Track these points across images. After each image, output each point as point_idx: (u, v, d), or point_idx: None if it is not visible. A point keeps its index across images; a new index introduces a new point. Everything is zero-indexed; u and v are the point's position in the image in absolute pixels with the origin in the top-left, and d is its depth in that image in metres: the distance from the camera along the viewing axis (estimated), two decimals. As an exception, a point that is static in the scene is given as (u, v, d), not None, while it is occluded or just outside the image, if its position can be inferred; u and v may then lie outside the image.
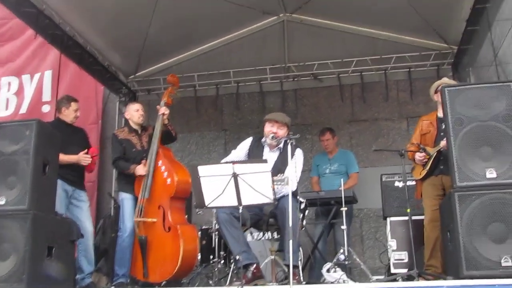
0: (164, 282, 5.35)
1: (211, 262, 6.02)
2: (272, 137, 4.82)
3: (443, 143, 4.72)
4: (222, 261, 6.05)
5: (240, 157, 5.06)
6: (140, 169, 5.52)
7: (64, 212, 5.35)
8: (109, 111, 8.55)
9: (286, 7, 7.50)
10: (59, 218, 4.87)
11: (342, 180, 6.09)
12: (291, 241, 3.76)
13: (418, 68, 7.66)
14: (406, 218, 6.03)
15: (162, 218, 5.36)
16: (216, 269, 5.85)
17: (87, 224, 5.51)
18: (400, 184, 6.30)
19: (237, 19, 7.50)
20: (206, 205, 3.82)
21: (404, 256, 6.02)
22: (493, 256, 3.68)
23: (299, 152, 4.70)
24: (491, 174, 3.86)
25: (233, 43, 7.87)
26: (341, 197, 5.87)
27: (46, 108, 8.44)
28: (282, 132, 4.90)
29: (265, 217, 4.87)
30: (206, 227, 6.29)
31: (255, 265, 4.45)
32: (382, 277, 6.29)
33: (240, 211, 3.78)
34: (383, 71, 7.77)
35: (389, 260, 6.26)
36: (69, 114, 5.79)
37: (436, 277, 4.36)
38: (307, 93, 8.25)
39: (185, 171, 5.61)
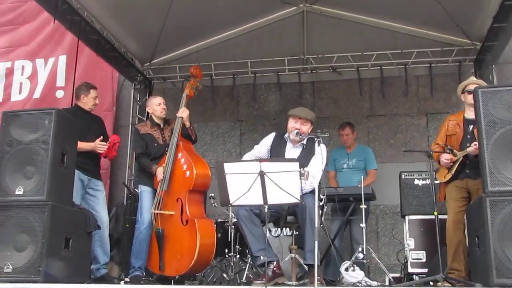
0: (177, 277, 5.32)
1: (227, 256, 5.94)
2: (297, 133, 4.72)
3: (470, 149, 4.60)
4: (238, 256, 6.00)
5: (262, 153, 4.99)
6: (159, 173, 5.46)
7: (79, 202, 5.30)
8: (124, 98, 8.46)
9: (306, -2, 7.37)
10: (76, 209, 4.82)
11: (362, 176, 6.00)
12: (316, 242, 3.67)
13: (439, 64, 7.52)
14: (425, 217, 6.06)
15: (180, 211, 5.31)
16: (231, 263, 5.80)
17: (102, 214, 5.46)
18: (420, 182, 6.22)
19: (256, 9, 7.34)
20: (231, 202, 3.72)
21: (422, 255, 5.95)
22: (525, 264, 3.59)
23: (324, 149, 4.60)
24: (525, 179, 3.74)
25: (251, 32, 7.71)
26: (360, 194, 5.81)
27: (60, 94, 8.35)
28: (305, 128, 4.81)
29: (283, 213, 4.79)
30: (222, 220, 6.20)
31: (275, 263, 4.37)
32: (397, 275, 6.23)
33: (266, 210, 3.68)
34: (403, 66, 7.62)
35: (405, 258, 6.19)
36: (88, 102, 5.72)
37: (462, 283, 4.26)
38: (325, 85, 8.12)
39: (205, 164, 5.57)
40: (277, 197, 3.67)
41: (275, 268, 4.36)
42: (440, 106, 7.68)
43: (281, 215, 4.77)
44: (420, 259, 5.94)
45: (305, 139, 4.87)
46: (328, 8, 7.42)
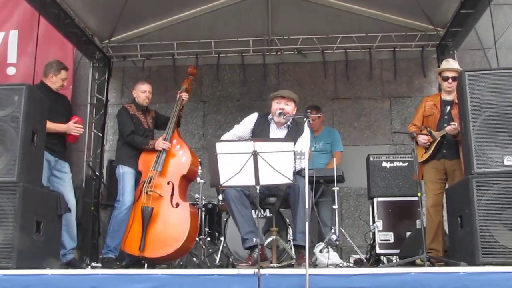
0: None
1: (198, 239, 5.82)
2: (280, 113, 4.64)
3: (448, 128, 4.68)
4: (208, 238, 5.91)
5: (244, 133, 4.89)
6: (161, 143, 5.44)
7: (45, 184, 5.01)
8: (80, 77, 8.11)
9: (271, -22, 7.26)
10: (47, 191, 4.60)
11: (334, 159, 6.01)
12: (307, 224, 3.62)
13: (403, 49, 7.62)
14: (393, 199, 6.17)
15: (171, 194, 5.27)
16: (203, 246, 5.71)
17: (70, 197, 5.21)
18: (388, 165, 6.31)
19: (220, -13, 7.21)
20: (221, 183, 3.61)
21: (390, 237, 6.06)
22: (510, 244, 3.67)
23: (307, 131, 4.55)
24: (509, 161, 3.83)
25: (216, 11, 7.54)
26: (330, 176, 5.79)
27: (11, 71, 7.88)
28: (289, 108, 4.74)
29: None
30: (191, 202, 6.08)
31: (260, 246, 4.31)
32: (363, 256, 6.30)
33: (258, 191, 3.59)
34: (368, 50, 7.69)
35: (372, 240, 6.28)
36: (56, 82, 5.45)
37: (445, 262, 4.33)
38: (290, 67, 8.10)
39: (196, 156, 5.70)
40: (269, 178, 3.58)
41: (260, 252, 4.29)
42: (403, 90, 7.82)
43: (265, 197, 4.72)
44: (388, 240, 6.05)
45: (290, 120, 4.79)
46: (294, -11, 7.35)
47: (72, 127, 5.23)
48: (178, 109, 5.77)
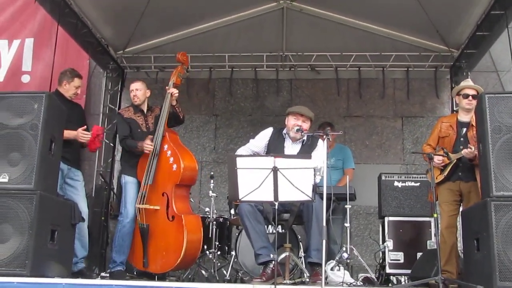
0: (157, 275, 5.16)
1: (207, 252, 5.81)
2: (297, 129, 4.65)
3: (465, 151, 4.66)
4: (219, 252, 5.89)
5: (259, 148, 4.91)
6: (148, 144, 5.25)
7: (58, 191, 5.01)
8: (94, 86, 8.15)
9: (287, -6, 7.30)
10: (62, 200, 4.61)
11: (347, 176, 6.00)
12: (324, 241, 3.61)
13: (416, 68, 7.64)
14: (404, 218, 6.13)
15: (166, 206, 5.14)
16: (214, 260, 5.68)
17: (82, 205, 5.20)
18: (400, 184, 6.29)
19: (236, 2, 7.21)
20: (240, 198, 3.61)
21: (400, 257, 6.01)
22: (527, 269, 3.65)
23: (321, 145, 4.56)
24: (528, 185, 3.82)
25: (230, 26, 7.56)
26: (340, 193, 5.78)
27: (26, 78, 7.96)
28: (306, 125, 4.79)
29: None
30: (203, 215, 6.07)
31: (274, 262, 4.29)
32: (371, 275, 6.27)
33: (276, 207, 3.59)
34: (381, 68, 7.71)
35: (381, 259, 6.25)
36: (69, 89, 5.48)
37: (460, 285, 4.31)
38: (303, 84, 8.12)
39: (192, 156, 5.40)
40: (288, 194, 3.59)
41: (273, 267, 4.27)
42: (415, 110, 7.83)
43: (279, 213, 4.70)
44: (398, 260, 6.00)
45: (305, 136, 4.81)
46: (309, 6, 7.36)
47: (80, 134, 5.22)
48: (168, 107, 5.48)
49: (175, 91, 5.52)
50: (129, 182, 5.40)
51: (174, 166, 5.21)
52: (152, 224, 5.13)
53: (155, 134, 5.36)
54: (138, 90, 5.62)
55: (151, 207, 5.14)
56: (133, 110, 5.61)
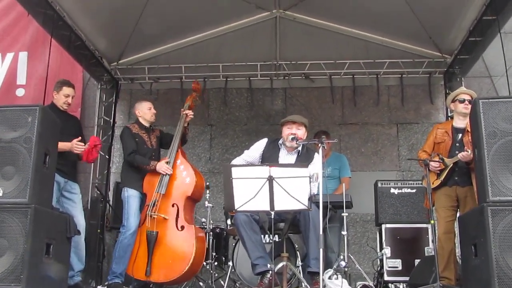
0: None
1: (204, 263, 5.77)
2: (292, 138, 4.64)
3: (461, 155, 4.68)
4: (216, 263, 5.86)
5: (254, 158, 4.91)
6: (163, 166, 5.38)
7: (54, 205, 4.98)
8: (88, 98, 8.15)
9: (280, 3, 7.25)
10: (57, 213, 4.55)
11: (343, 184, 5.99)
12: (321, 250, 3.59)
13: (410, 75, 7.66)
14: (401, 225, 6.13)
15: (176, 217, 5.24)
16: (211, 271, 5.65)
17: (79, 218, 5.18)
18: (396, 191, 6.29)
19: (228, 12, 7.21)
20: (236, 208, 3.59)
21: (398, 264, 6.00)
22: (526, 274, 3.63)
23: (317, 157, 4.54)
24: (525, 190, 3.81)
25: (224, 36, 7.56)
26: (337, 202, 5.77)
27: (20, 92, 7.96)
28: (301, 132, 4.77)
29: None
30: (199, 226, 6.04)
31: (271, 272, 4.27)
32: (371, 283, 6.25)
33: (272, 216, 3.57)
34: (375, 76, 7.73)
35: (379, 267, 6.23)
36: (59, 99, 5.45)
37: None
38: (297, 92, 8.13)
39: (202, 176, 5.68)
40: (284, 204, 3.57)
41: (270, 277, 4.24)
42: (410, 117, 7.84)
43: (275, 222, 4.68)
44: (396, 267, 6.00)
45: (300, 146, 4.80)
46: (302, 15, 7.36)
47: (75, 145, 5.19)
48: (182, 127, 5.75)
49: (190, 113, 5.82)
50: (132, 195, 5.44)
51: (188, 179, 5.43)
52: (160, 232, 5.18)
53: (169, 151, 5.57)
54: (153, 109, 5.85)
55: (162, 215, 5.20)
56: (138, 127, 5.73)
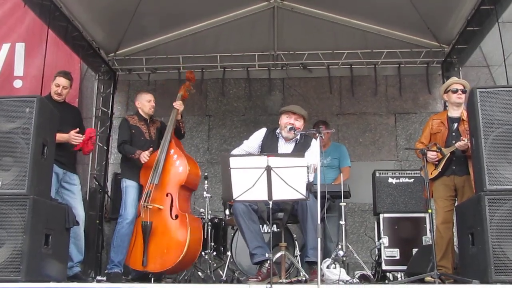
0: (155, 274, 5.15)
1: (202, 253, 5.80)
2: (290, 128, 4.65)
3: (458, 143, 4.69)
4: (214, 253, 5.88)
5: (253, 148, 4.92)
6: (145, 156, 5.38)
7: (54, 196, 4.99)
8: (85, 89, 8.13)
9: (277, -7, 7.29)
10: (56, 204, 4.57)
11: (340, 174, 6.00)
12: (319, 239, 3.61)
13: (408, 65, 7.65)
14: (399, 215, 6.14)
15: (170, 206, 5.26)
16: (210, 261, 5.67)
17: (79, 209, 5.21)
18: (394, 181, 6.29)
19: (226, 2, 7.20)
20: (234, 198, 3.61)
21: (396, 253, 6.02)
22: (523, 262, 3.66)
23: (315, 144, 4.56)
24: (521, 179, 3.83)
25: (221, 26, 7.54)
26: (337, 191, 5.79)
27: (18, 83, 7.92)
28: (299, 123, 4.78)
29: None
30: (198, 216, 6.05)
31: (269, 261, 4.28)
32: (367, 272, 6.27)
33: (270, 206, 3.59)
34: (373, 66, 7.72)
35: (377, 256, 6.25)
36: (51, 89, 5.46)
37: (456, 279, 4.31)
38: (295, 82, 8.13)
39: (196, 164, 5.66)
40: (282, 193, 3.58)
41: (269, 267, 4.26)
42: (408, 106, 7.85)
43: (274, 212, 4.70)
44: (394, 256, 6.01)
45: (298, 135, 4.81)
46: (299, 5, 7.35)
47: (72, 136, 5.19)
48: (174, 119, 5.71)
49: (181, 106, 5.78)
50: (130, 186, 5.49)
51: (181, 168, 5.42)
52: (155, 222, 5.19)
53: (162, 141, 5.56)
54: (154, 101, 5.87)
55: (156, 205, 5.22)
56: (138, 118, 5.75)
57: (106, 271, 5.36)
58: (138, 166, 5.50)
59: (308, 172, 3.76)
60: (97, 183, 7.04)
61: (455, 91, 4.98)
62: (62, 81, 5.49)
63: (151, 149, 5.48)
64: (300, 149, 4.66)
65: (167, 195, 5.28)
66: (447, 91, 5.10)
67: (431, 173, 4.89)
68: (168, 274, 5.32)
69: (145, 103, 5.77)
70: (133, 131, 5.61)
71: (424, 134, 5.17)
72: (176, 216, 5.18)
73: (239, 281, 5.41)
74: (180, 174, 5.36)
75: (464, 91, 4.92)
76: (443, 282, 4.36)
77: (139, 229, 5.20)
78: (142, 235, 5.12)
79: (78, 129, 5.27)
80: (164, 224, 5.18)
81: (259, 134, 4.99)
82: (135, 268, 5.13)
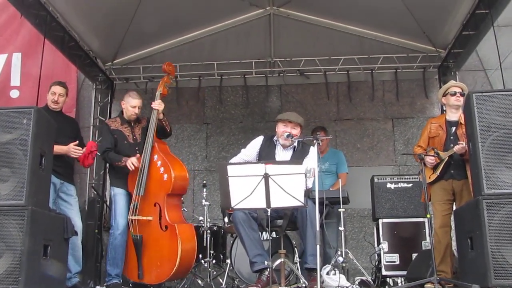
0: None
1: (202, 261, 5.79)
2: (288, 135, 4.66)
3: (457, 147, 4.69)
4: (214, 261, 5.87)
5: (251, 156, 4.93)
6: (132, 163, 5.20)
7: (51, 206, 4.99)
8: (83, 99, 8.15)
9: (273, 1, 7.26)
10: (54, 214, 4.55)
11: (339, 180, 6.01)
12: (318, 246, 3.61)
13: (405, 70, 7.67)
14: (398, 220, 6.14)
15: (159, 216, 5.13)
16: (209, 269, 5.66)
17: (76, 220, 5.18)
18: (393, 186, 6.29)
19: (222, 10, 7.22)
20: (232, 206, 3.60)
21: (395, 258, 6.01)
22: (522, 266, 3.66)
23: (313, 151, 4.56)
24: (519, 182, 3.83)
25: (218, 34, 7.56)
26: (334, 197, 5.78)
27: (15, 93, 7.97)
28: (295, 131, 4.79)
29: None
30: (196, 224, 6.04)
31: (269, 269, 4.28)
32: (367, 278, 6.27)
33: (268, 213, 3.59)
34: (370, 71, 7.73)
35: (377, 261, 6.24)
36: (48, 99, 5.46)
37: (455, 284, 4.31)
38: (292, 89, 8.16)
39: (182, 165, 5.41)
40: (280, 201, 3.58)
41: (268, 275, 4.26)
42: (405, 111, 7.87)
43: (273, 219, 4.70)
44: (394, 262, 6.00)
45: (296, 142, 4.81)
46: (295, 11, 7.37)
47: (72, 149, 5.17)
48: (155, 121, 5.44)
49: (160, 106, 5.48)
50: (118, 193, 5.37)
51: (165, 176, 5.20)
52: (146, 235, 5.11)
53: (144, 147, 5.33)
54: (139, 108, 5.59)
55: (144, 218, 5.12)
56: (120, 121, 5.56)
57: (105, 284, 5.29)
58: (125, 173, 5.34)
59: (307, 177, 3.75)
60: (95, 193, 7.02)
61: (454, 94, 5.00)
62: (58, 89, 5.48)
63: (138, 155, 5.30)
64: (298, 157, 4.66)
65: (154, 205, 5.15)
66: (445, 94, 5.11)
67: (429, 177, 4.90)
68: (167, 282, 5.29)
69: (129, 108, 5.52)
70: (115, 135, 5.45)
71: (422, 138, 5.17)
72: (166, 227, 5.06)
73: (240, 289, 5.41)
74: (165, 183, 5.17)
75: (462, 94, 4.94)
76: (443, 287, 4.36)
77: (131, 242, 5.14)
78: (135, 249, 5.07)
79: (77, 141, 5.25)
80: (154, 236, 5.08)
81: (257, 142, 4.99)
82: (132, 280, 5.10)
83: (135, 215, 5.13)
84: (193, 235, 5.30)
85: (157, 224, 5.11)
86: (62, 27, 6.41)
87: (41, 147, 4.26)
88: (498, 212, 3.78)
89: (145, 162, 5.24)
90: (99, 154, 5.53)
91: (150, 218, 5.13)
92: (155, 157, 5.32)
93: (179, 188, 5.33)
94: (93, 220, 7.05)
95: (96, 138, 7.65)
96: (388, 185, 6.30)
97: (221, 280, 5.75)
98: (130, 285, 5.30)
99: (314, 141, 3.96)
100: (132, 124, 5.60)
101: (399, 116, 7.89)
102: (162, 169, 5.25)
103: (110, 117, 7.74)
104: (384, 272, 5.98)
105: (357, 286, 5.32)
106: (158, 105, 5.47)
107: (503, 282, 3.64)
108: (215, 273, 5.96)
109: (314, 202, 3.98)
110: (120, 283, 5.21)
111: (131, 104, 5.53)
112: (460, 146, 4.65)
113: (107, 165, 7.56)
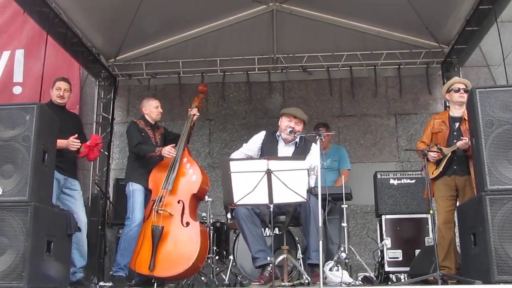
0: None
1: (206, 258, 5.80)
2: (290, 131, 4.66)
3: (460, 143, 4.69)
4: (217, 257, 5.88)
5: (253, 151, 4.92)
6: (166, 149, 5.38)
7: (55, 202, 4.99)
8: (86, 96, 8.15)
9: (276, -4, 7.30)
10: (57, 210, 4.56)
11: (342, 176, 6.01)
12: (321, 242, 3.61)
13: (408, 66, 7.65)
14: (401, 216, 6.14)
15: (181, 213, 5.22)
16: (212, 265, 5.67)
17: (81, 215, 5.21)
18: (396, 182, 6.29)
19: (225, 6, 7.22)
20: (235, 202, 3.60)
21: (398, 254, 6.02)
22: (525, 262, 3.65)
23: (315, 148, 4.56)
24: (522, 178, 3.82)
25: (221, 30, 7.57)
26: (337, 193, 5.79)
27: (17, 90, 7.94)
28: (299, 128, 4.79)
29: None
30: (200, 221, 6.05)
31: (271, 265, 4.29)
32: (370, 274, 6.27)
33: (271, 209, 3.59)
34: (373, 67, 7.72)
35: (380, 258, 6.24)
36: (52, 95, 5.50)
37: (459, 280, 4.30)
38: (295, 85, 8.14)
39: (206, 175, 5.66)
40: (283, 196, 3.58)
41: (271, 271, 4.26)
42: (408, 107, 7.85)
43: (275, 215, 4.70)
44: (397, 258, 6.01)
45: (298, 138, 4.81)
46: (298, 7, 7.36)
47: (71, 142, 5.18)
48: (189, 126, 5.76)
49: (195, 111, 5.84)
50: (137, 189, 5.44)
51: (194, 177, 5.41)
52: (166, 227, 5.16)
53: (177, 144, 5.54)
54: (160, 108, 5.86)
55: (168, 211, 5.19)
56: (144, 123, 5.74)
57: (111, 273, 5.35)
58: (145, 170, 5.49)
59: (310, 175, 3.75)
60: (98, 189, 7.03)
61: (457, 90, 4.99)
62: (62, 84, 5.53)
63: (173, 144, 5.50)
64: (300, 153, 4.66)
65: (178, 202, 5.26)
66: (449, 91, 5.10)
67: (432, 173, 4.89)
68: (172, 280, 5.30)
69: (153, 109, 5.76)
70: (143, 134, 5.61)
71: (425, 134, 5.17)
72: (187, 224, 5.15)
73: (242, 285, 5.42)
74: (193, 183, 5.37)
75: (466, 91, 4.91)
76: (446, 282, 4.35)
77: (147, 233, 5.17)
78: (152, 239, 5.10)
79: (77, 135, 5.26)
80: (174, 230, 5.15)
81: (259, 137, 5.00)
82: (140, 272, 5.08)
83: (159, 207, 5.21)
84: (208, 234, 5.45)
85: (179, 220, 5.19)
86: (64, 23, 6.42)
87: (44, 143, 4.27)
88: (501, 208, 3.76)
89: (178, 158, 5.42)
90: (134, 146, 5.57)
91: (173, 213, 5.22)
92: (185, 159, 5.54)
93: (203, 192, 5.53)
94: (97, 216, 7.05)
95: (100, 134, 7.65)
96: (391, 181, 6.31)
97: (224, 276, 5.76)
98: (133, 282, 5.30)
99: (317, 137, 3.95)
100: (154, 129, 5.79)
101: (402, 112, 7.87)
102: (191, 170, 5.47)
103: (113, 113, 7.77)
104: (387, 268, 6.00)
105: (360, 282, 5.33)
106: (196, 111, 5.84)
107: (506, 278, 3.62)
108: (218, 269, 5.99)
109: (317, 198, 3.96)
110: (125, 276, 5.23)
111: (154, 105, 5.79)
112: (463, 142, 4.64)
113: (111, 161, 7.63)
